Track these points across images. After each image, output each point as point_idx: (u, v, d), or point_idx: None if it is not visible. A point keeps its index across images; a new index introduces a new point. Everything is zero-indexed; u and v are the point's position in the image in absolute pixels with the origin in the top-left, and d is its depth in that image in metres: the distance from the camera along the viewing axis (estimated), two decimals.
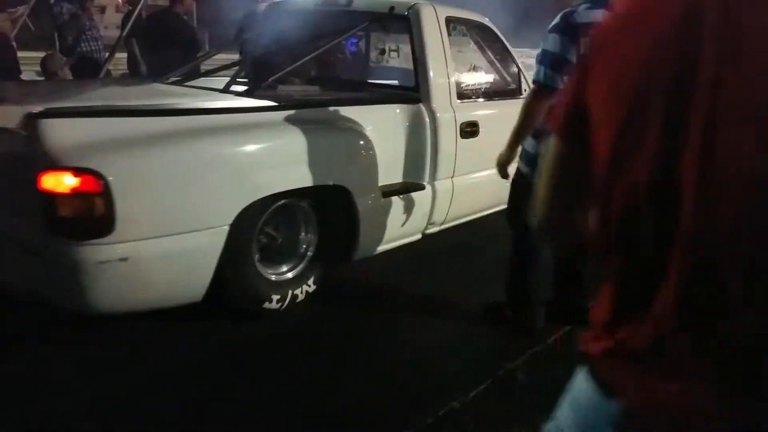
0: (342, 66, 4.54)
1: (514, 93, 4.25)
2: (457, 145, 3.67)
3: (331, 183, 3.03)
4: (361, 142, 3.14)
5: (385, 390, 2.45)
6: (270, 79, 3.31)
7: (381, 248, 3.48)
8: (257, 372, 2.53)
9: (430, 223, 3.74)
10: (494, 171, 4.01)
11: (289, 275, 3.09)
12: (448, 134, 3.60)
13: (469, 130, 3.74)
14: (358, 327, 3.01)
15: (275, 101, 3.10)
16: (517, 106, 4.23)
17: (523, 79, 4.28)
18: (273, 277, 3.04)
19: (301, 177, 2.85)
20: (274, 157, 2.78)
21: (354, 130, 3.12)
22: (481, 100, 3.93)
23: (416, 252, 3.77)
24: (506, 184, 4.20)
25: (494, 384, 2.51)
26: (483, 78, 3.96)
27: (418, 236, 3.74)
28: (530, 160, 2.83)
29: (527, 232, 2.67)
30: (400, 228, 3.55)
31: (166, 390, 2.38)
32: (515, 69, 4.27)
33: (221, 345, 2.73)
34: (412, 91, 3.61)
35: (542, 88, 2.55)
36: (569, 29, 2.44)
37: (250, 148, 2.71)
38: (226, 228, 2.57)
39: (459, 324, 3.11)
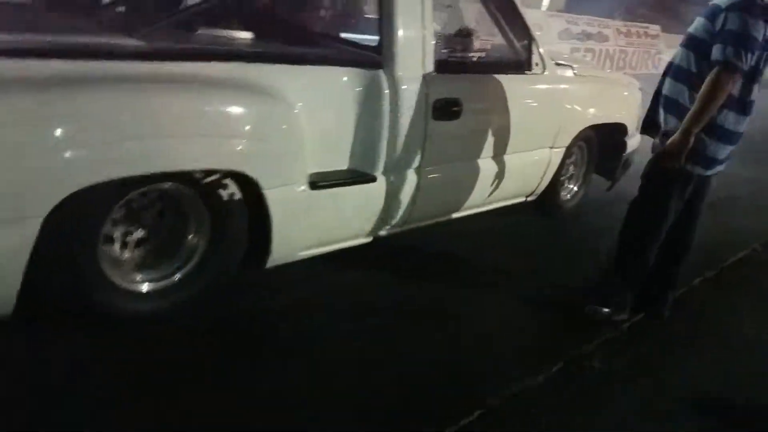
0: (302, 13, 3.67)
1: (520, 67, 3.36)
2: (428, 128, 2.84)
3: (223, 168, 2.26)
4: (277, 115, 2.35)
5: (453, 369, 2.38)
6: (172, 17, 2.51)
7: (309, 252, 2.71)
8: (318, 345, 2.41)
9: (384, 224, 2.95)
10: (483, 162, 3.22)
11: (159, 285, 2.36)
12: (415, 113, 2.77)
13: (448, 109, 2.90)
14: (426, 302, 2.87)
15: (150, 47, 2.30)
16: (523, 84, 3.43)
17: (535, 52, 3.37)
18: (140, 287, 2.31)
19: (164, 158, 2.09)
20: (114, 128, 1.94)
21: (266, 97, 2.31)
22: (469, 73, 3.05)
23: (487, 225, 3.63)
24: (494, 180, 3.44)
25: (565, 367, 2.46)
26: (476, 45, 3.08)
27: (367, 239, 2.95)
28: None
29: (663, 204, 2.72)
30: (337, 228, 2.77)
31: None
32: (525, 38, 3.36)
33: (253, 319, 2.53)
34: (374, 52, 2.77)
35: (733, 69, 2.42)
36: (754, 8, 2.43)
37: (63, 109, 1.87)
38: (38, 222, 1.83)
39: (528, 305, 2.98)
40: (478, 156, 3.20)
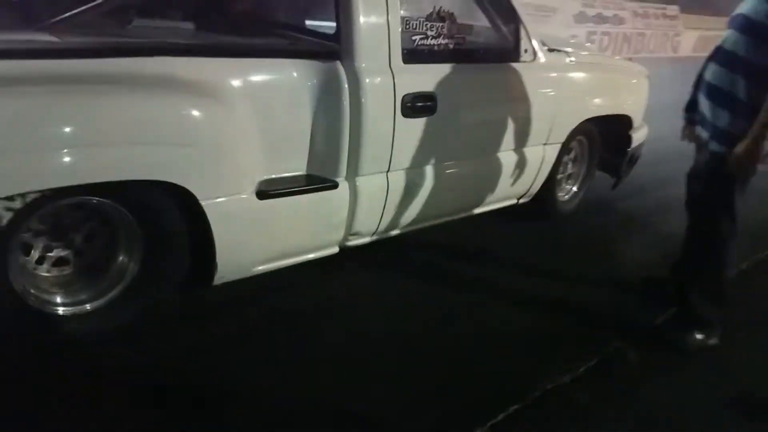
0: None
1: (506, 55, 3.01)
2: (396, 126, 2.52)
3: (149, 179, 1.96)
4: (211, 117, 2.04)
5: (490, 361, 2.35)
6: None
7: (268, 266, 2.42)
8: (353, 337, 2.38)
9: (351, 234, 2.64)
10: (465, 163, 2.89)
11: (87, 307, 2.08)
12: (380, 110, 2.45)
13: (420, 105, 2.58)
14: (464, 292, 2.85)
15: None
16: (510, 74, 3.08)
17: (523, 38, 3.02)
18: (60, 310, 2.04)
19: (74, 170, 1.79)
20: (10, 138, 1.67)
21: (197, 97, 2.01)
22: (446, 63, 2.72)
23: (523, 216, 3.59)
24: (479, 182, 3.11)
25: (604, 360, 2.39)
26: (453, 31, 2.74)
27: (332, 250, 2.65)
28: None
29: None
30: (296, 240, 2.47)
31: None
32: (512, 22, 3.01)
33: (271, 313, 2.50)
34: (331, 41, 2.46)
35: None
36: None
37: None
38: None
39: (565, 297, 2.89)
40: (458, 156, 2.87)
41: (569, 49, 3.43)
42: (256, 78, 2.20)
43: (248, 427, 1.90)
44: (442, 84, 2.65)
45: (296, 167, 2.41)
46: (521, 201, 3.52)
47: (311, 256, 2.57)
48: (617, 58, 4.08)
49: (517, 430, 1.99)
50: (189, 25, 2.41)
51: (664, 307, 2.78)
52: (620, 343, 2.53)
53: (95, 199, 1.98)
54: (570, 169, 3.84)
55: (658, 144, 5.48)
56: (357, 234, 2.66)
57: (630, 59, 4.14)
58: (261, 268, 2.40)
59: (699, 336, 2.53)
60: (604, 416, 2.11)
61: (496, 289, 2.93)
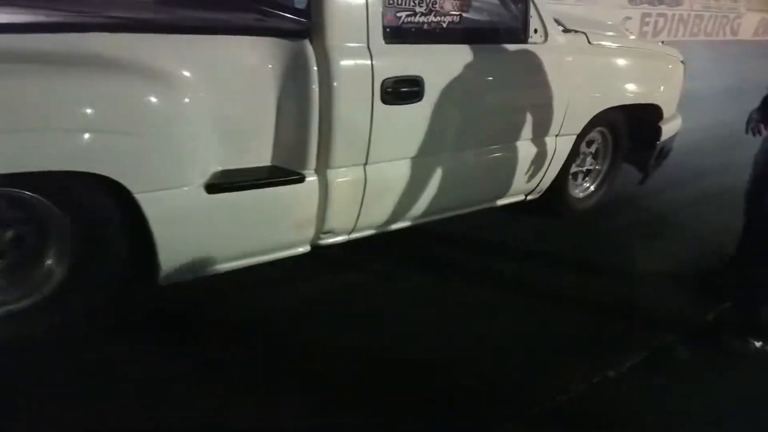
0: None
1: (512, 35, 2.68)
2: (375, 114, 2.25)
3: (74, 170, 1.75)
4: (148, 101, 1.81)
5: (535, 355, 2.29)
6: None
7: (221, 267, 2.20)
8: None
9: (323, 232, 2.39)
10: (460, 155, 2.61)
11: (11, 308, 1.90)
12: (356, 95, 2.19)
13: (404, 90, 2.30)
14: (517, 288, 2.74)
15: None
16: (516, 57, 2.75)
17: (533, 16, 2.69)
18: None
19: None
20: None
21: (131, 78, 1.78)
22: (437, 43, 2.42)
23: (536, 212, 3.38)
24: (476, 176, 2.80)
25: (651, 356, 2.32)
26: (449, 8, 2.43)
27: (302, 248, 2.40)
28: None
29: None
30: (256, 238, 2.24)
31: None
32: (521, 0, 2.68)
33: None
34: (300, 16, 2.19)
35: None
36: None
37: None
38: None
39: (607, 293, 2.78)
40: (450, 148, 2.58)
41: (590, 30, 3.06)
42: (209, 57, 1.96)
43: None
44: (430, 67, 2.36)
45: (260, 158, 2.17)
46: (530, 197, 3.20)
47: (277, 255, 2.33)
48: (650, 41, 3.64)
49: (561, 423, 1.97)
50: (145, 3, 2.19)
51: (715, 302, 2.66)
52: (670, 339, 2.43)
53: (26, 194, 1.79)
54: (589, 163, 3.48)
55: (711, 132, 5.10)
56: (331, 232, 2.41)
57: (662, 43, 3.73)
58: (217, 267, 2.18)
59: (757, 344, 2.38)
60: (646, 411, 2.05)
61: (525, 286, 2.77)
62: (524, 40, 2.70)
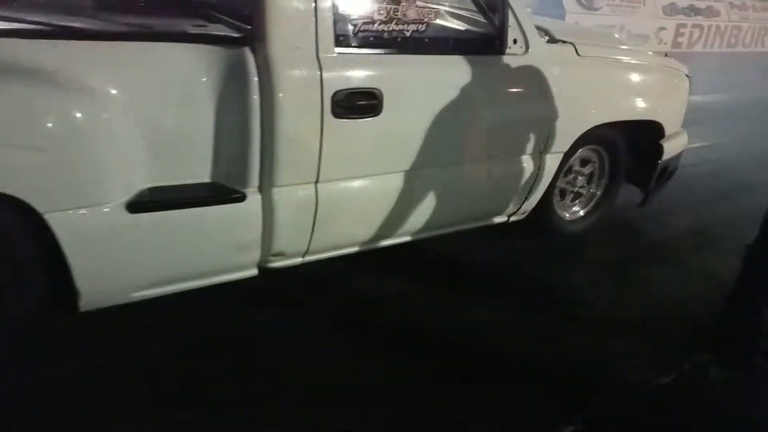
0: None
1: (487, 45, 2.48)
2: (325, 129, 2.07)
3: None
4: (60, 112, 1.66)
5: (565, 373, 2.23)
6: None
7: (153, 292, 2.03)
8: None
9: (272, 254, 2.21)
10: (426, 173, 2.42)
11: None
12: (302, 108, 2.01)
13: (359, 104, 2.11)
14: (508, 317, 2.58)
15: None
16: (491, 68, 2.53)
17: (512, 25, 2.49)
18: None
19: None
20: None
21: (40, 88, 1.63)
22: (398, 53, 2.23)
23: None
24: (445, 197, 2.58)
25: (680, 377, 2.27)
26: (413, 16, 2.24)
27: (248, 272, 2.23)
28: None
29: None
30: (191, 261, 2.07)
31: None
32: (498, 8, 2.47)
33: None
34: (242, 21, 2.03)
35: None
36: None
37: None
38: None
39: (641, 309, 2.70)
40: (416, 166, 2.38)
41: (580, 41, 2.84)
42: (133, 66, 1.80)
43: None
44: (390, 79, 2.18)
45: (198, 174, 2.00)
46: (513, 219, 2.98)
47: (219, 279, 2.16)
48: (650, 53, 3.40)
49: None
50: (88, 3, 2.05)
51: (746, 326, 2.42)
52: (702, 359, 2.37)
53: None
54: (581, 183, 3.24)
55: (740, 148, 4.83)
56: (281, 255, 2.24)
57: (666, 55, 3.48)
58: (147, 292, 2.02)
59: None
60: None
61: (524, 305, 2.64)
62: (501, 51, 2.49)
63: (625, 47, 3.23)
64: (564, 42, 2.77)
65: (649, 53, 3.33)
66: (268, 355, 2.15)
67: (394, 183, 2.35)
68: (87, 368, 1.97)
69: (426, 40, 2.29)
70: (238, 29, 2.04)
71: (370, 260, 2.61)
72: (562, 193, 3.21)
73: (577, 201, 3.29)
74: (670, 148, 3.30)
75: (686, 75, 3.35)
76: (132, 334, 2.16)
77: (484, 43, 2.47)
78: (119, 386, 1.92)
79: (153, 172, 1.90)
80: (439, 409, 1.98)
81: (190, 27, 2.07)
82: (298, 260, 2.33)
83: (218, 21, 2.12)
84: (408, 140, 2.29)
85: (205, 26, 2.10)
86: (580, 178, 3.22)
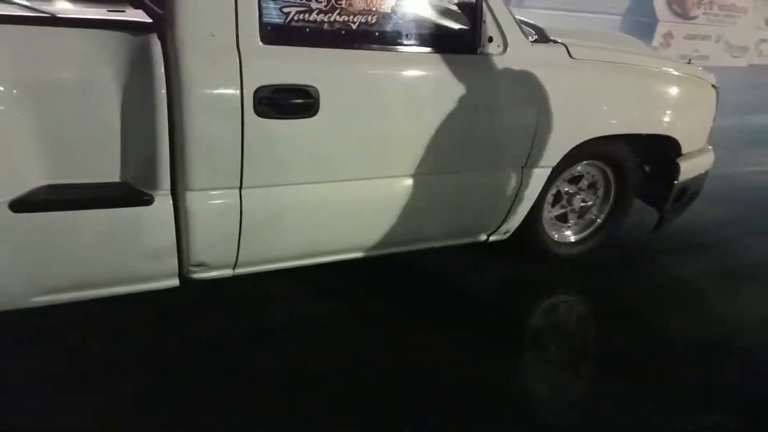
0: None
1: (456, 42, 2.20)
2: (247, 129, 1.85)
3: None
4: None
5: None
6: None
7: (52, 298, 1.87)
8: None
9: (193, 264, 2.01)
10: (378, 184, 2.17)
11: None
12: (218, 104, 1.80)
13: (290, 102, 1.89)
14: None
15: None
16: (459, 70, 2.23)
17: (487, 21, 2.20)
18: None
19: None
20: None
21: None
22: (342, 49, 1.99)
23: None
24: (401, 210, 2.31)
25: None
26: (361, 6, 1.99)
27: (168, 282, 2.03)
28: None
29: None
30: (95, 267, 1.89)
31: None
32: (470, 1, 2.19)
33: None
34: (157, 5, 1.83)
35: None
36: None
37: None
38: None
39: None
40: (363, 174, 2.13)
41: (575, 42, 2.51)
42: (23, 53, 1.63)
43: None
44: (329, 77, 1.94)
45: (106, 173, 1.82)
46: (493, 238, 2.68)
47: (134, 287, 1.98)
48: (672, 61, 3.02)
49: None
50: None
51: None
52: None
53: None
54: (580, 202, 2.90)
55: None
56: (203, 265, 2.03)
57: (690, 62, 3.08)
58: (49, 297, 1.86)
59: None
60: None
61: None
62: (473, 50, 2.21)
63: (643, 54, 2.87)
64: (556, 42, 2.45)
65: (671, 61, 2.95)
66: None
67: (338, 193, 2.11)
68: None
69: (377, 33, 2.04)
70: (142, 13, 1.85)
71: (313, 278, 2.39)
72: (560, 216, 2.88)
73: (575, 222, 2.94)
74: (690, 168, 2.91)
75: (713, 86, 2.95)
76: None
77: (452, 40, 2.19)
78: None
79: (51, 168, 1.73)
80: None
81: (105, 12, 1.90)
82: (229, 272, 2.12)
83: (140, 6, 1.94)
84: (352, 146, 2.05)
85: (122, 11, 1.92)
86: (578, 196, 2.88)
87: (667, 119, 2.73)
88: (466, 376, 2.12)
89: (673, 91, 2.77)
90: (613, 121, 2.57)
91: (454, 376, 2.11)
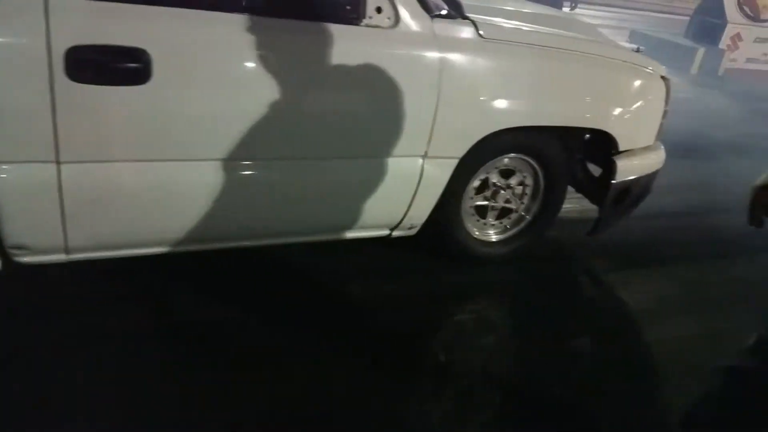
0: None
1: (334, 14, 1.93)
2: (57, 94, 1.61)
3: None
4: None
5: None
6: None
7: None
8: None
9: (12, 246, 1.78)
10: (233, 167, 1.92)
11: None
12: (20, 66, 1.56)
13: (112, 66, 1.64)
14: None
15: None
16: (337, 42, 1.94)
17: None
18: None
19: None
20: None
21: None
22: (179, 5, 1.73)
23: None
24: (272, 199, 2.04)
25: None
26: None
27: None
28: None
29: None
30: None
31: None
32: None
33: None
34: None
35: None
36: None
37: None
38: None
39: None
40: (210, 155, 1.87)
41: (488, 20, 2.23)
42: None
43: None
44: (167, 40, 1.69)
45: None
46: (397, 233, 2.42)
47: None
48: (617, 48, 2.71)
49: None
50: None
51: None
52: None
53: None
54: (504, 198, 2.62)
55: None
56: (24, 248, 1.80)
57: (638, 50, 2.76)
58: None
59: None
60: None
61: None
62: (356, 21, 1.93)
63: (583, 39, 2.57)
64: (465, 18, 2.16)
65: (617, 49, 2.64)
66: None
67: (183, 173, 1.86)
68: None
69: None
70: None
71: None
72: (481, 210, 2.60)
73: (500, 220, 2.67)
74: (632, 167, 2.62)
75: (662, 77, 2.64)
76: None
77: (330, 8, 1.92)
78: None
79: None
80: None
81: None
82: (62, 257, 1.89)
83: None
84: (192, 121, 1.79)
85: None
86: (502, 192, 2.60)
87: (598, 111, 2.44)
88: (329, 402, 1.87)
89: (609, 80, 2.47)
90: (530, 111, 2.28)
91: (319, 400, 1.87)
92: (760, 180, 1.43)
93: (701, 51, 9.00)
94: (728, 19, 9.18)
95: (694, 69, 8.96)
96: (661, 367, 2.24)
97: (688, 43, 9.37)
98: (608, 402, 2.00)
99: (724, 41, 9.20)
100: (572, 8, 6.84)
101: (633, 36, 9.98)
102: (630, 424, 1.93)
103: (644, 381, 2.15)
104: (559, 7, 6.53)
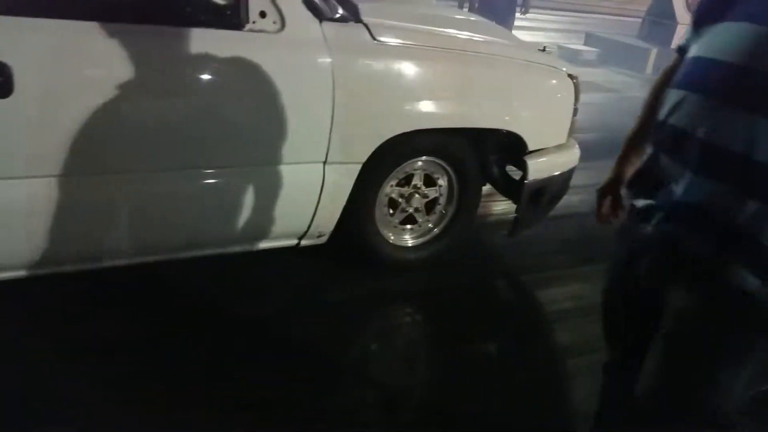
0: None
1: (213, 19, 1.90)
2: None
3: None
4: None
5: None
6: None
7: None
8: None
9: None
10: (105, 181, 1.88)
11: None
12: None
13: None
14: None
15: None
16: (222, 51, 1.90)
17: None
18: None
19: None
20: None
21: None
22: (42, 16, 1.70)
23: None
24: (163, 211, 2.00)
25: None
26: None
27: None
28: None
29: None
30: None
31: None
32: None
33: None
34: None
35: None
36: None
37: None
38: None
39: None
40: (79, 170, 1.82)
41: (381, 22, 2.22)
42: None
43: None
44: (29, 52, 1.65)
45: None
46: (306, 242, 2.39)
47: None
48: (522, 47, 2.73)
49: None
50: None
51: None
52: None
53: None
54: (417, 203, 2.61)
55: None
56: None
57: (544, 49, 2.79)
58: None
59: None
60: None
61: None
62: (238, 26, 1.92)
63: (488, 41, 2.57)
64: (357, 22, 2.16)
65: (523, 49, 2.65)
66: None
67: (53, 189, 1.80)
68: None
69: (100, 2, 1.74)
70: None
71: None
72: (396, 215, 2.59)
73: (414, 225, 2.66)
74: (544, 166, 2.63)
75: (569, 76, 2.66)
76: None
77: (210, 13, 1.90)
78: None
79: None
80: None
81: None
82: None
83: None
84: (60, 136, 1.74)
85: None
86: (416, 197, 2.59)
87: (502, 112, 2.45)
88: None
89: (514, 80, 2.49)
90: (429, 114, 2.27)
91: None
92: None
93: (654, 52, 9.14)
94: (678, 19, 9.35)
95: (649, 69, 9.09)
96: (571, 368, 2.24)
97: (641, 44, 9.52)
98: (518, 406, 1.99)
99: (675, 41, 9.38)
100: (524, 13, 6.89)
101: (588, 38, 10.12)
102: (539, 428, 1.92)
103: (556, 383, 2.15)
104: (512, 13, 6.57)
